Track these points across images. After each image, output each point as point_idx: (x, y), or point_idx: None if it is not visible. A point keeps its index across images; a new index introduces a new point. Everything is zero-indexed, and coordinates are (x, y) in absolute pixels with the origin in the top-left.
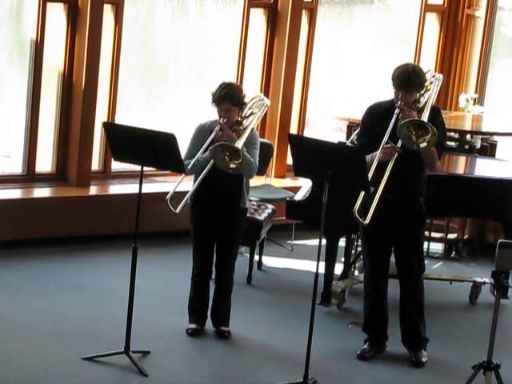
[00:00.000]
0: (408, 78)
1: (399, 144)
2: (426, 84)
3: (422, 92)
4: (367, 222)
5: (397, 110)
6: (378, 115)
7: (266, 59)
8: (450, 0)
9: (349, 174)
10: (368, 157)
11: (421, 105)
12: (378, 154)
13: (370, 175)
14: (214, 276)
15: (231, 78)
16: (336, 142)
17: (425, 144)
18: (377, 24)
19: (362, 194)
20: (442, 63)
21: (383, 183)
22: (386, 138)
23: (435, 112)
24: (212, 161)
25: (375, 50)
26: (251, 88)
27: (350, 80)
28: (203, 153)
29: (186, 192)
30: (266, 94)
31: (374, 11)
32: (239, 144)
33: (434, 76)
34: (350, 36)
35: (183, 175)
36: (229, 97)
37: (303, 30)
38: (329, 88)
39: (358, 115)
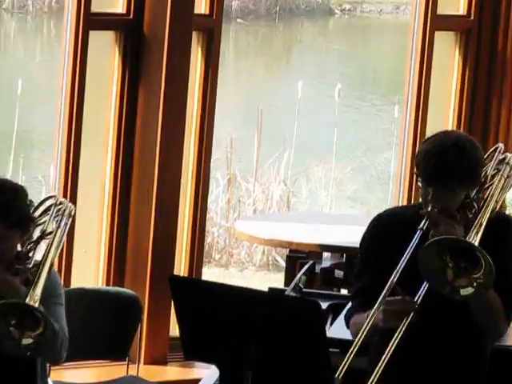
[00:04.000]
0: (445, 162)
1: (423, 289)
2: (484, 172)
3: (477, 188)
4: None
5: (422, 223)
6: (392, 232)
7: None
8: None
9: (292, 352)
10: (362, 317)
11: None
12: (372, 314)
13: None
14: None
15: None
16: (266, 289)
17: (470, 290)
18: None
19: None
20: None
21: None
22: (394, 277)
23: (504, 228)
24: None
25: None
26: None
27: None
28: None
29: None
30: None
31: None
32: (34, 299)
33: (503, 159)
34: None
35: None
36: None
37: None
38: None
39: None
